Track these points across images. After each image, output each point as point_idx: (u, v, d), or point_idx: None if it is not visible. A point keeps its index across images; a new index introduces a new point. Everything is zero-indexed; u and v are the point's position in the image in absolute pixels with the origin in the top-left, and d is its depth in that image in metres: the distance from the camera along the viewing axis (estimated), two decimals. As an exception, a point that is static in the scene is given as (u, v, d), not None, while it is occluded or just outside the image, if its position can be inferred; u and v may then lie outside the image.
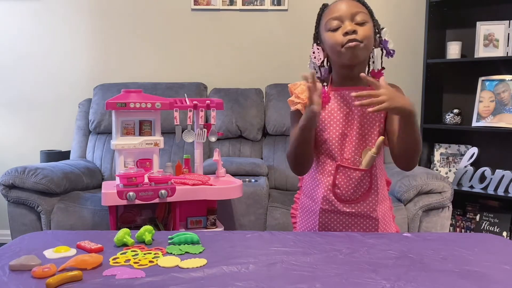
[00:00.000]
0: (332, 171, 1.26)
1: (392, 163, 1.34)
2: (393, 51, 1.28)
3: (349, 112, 1.25)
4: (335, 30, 1.21)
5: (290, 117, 1.34)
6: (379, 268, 0.93)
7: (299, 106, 1.26)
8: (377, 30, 1.26)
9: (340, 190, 1.26)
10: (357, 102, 1.09)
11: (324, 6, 1.29)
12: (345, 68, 1.25)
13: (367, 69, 1.31)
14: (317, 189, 1.29)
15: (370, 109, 1.07)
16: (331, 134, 1.26)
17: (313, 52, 1.29)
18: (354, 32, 1.19)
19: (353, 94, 1.09)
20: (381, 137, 1.21)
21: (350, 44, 1.18)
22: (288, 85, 1.31)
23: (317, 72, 1.30)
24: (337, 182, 1.26)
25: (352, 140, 1.25)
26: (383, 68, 1.31)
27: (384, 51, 1.29)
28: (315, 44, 1.30)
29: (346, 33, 1.19)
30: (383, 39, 1.27)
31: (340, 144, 1.26)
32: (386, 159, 1.34)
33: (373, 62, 1.31)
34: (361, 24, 1.20)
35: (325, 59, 1.31)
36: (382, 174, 1.31)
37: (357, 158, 1.25)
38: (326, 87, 1.28)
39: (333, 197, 1.26)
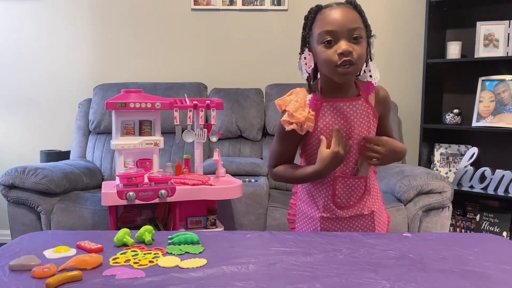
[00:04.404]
0: (331, 182, 1.25)
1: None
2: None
3: (345, 124, 1.20)
4: (328, 45, 1.12)
5: (279, 133, 1.27)
6: (379, 268, 0.93)
7: (294, 126, 1.18)
8: (368, 39, 1.17)
9: (340, 200, 1.26)
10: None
11: (318, 9, 1.16)
12: (335, 81, 1.17)
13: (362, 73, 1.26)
14: (317, 198, 1.28)
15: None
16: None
17: (305, 58, 1.20)
18: (350, 53, 1.09)
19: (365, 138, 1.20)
20: None
21: (345, 70, 1.10)
22: (275, 101, 1.23)
23: (307, 75, 1.23)
24: (337, 192, 1.25)
25: (352, 151, 1.22)
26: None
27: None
28: (306, 50, 1.20)
29: (341, 54, 1.09)
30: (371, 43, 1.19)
31: None
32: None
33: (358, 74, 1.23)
34: (357, 41, 1.11)
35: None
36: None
37: (355, 168, 1.25)
38: (315, 93, 1.22)
39: (334, 206, 1.27)
